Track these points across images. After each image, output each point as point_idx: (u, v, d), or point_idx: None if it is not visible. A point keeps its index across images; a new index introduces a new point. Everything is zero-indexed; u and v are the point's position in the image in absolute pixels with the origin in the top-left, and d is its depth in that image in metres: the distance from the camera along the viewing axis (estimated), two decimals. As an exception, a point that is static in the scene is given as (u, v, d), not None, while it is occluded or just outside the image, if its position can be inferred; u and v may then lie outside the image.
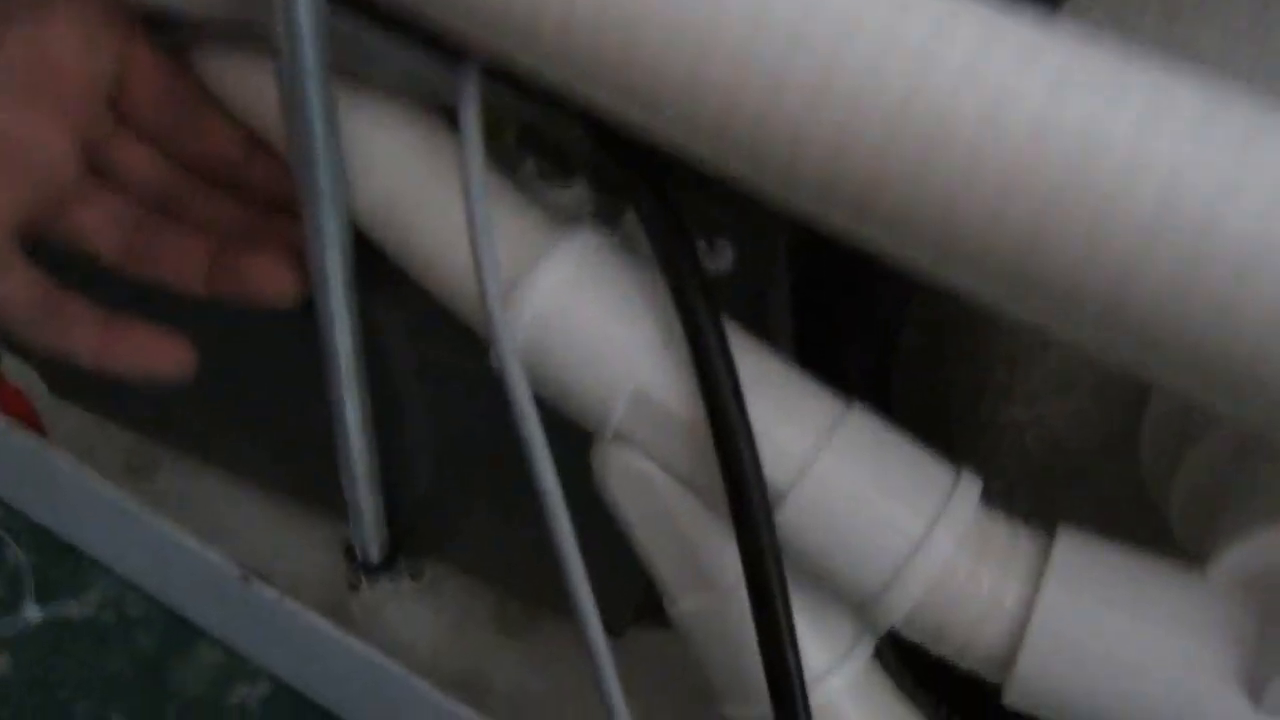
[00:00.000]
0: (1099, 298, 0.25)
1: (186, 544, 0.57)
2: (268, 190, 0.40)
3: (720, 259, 0.42)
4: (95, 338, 0.38)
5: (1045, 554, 0.32)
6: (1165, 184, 0.24)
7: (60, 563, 0.67)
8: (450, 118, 0.37)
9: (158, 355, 0.39)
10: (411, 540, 0.59)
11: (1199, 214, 0.23)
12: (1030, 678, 0.31)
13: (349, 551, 0.59)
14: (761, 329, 0.36)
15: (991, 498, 0.34)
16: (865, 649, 0.36)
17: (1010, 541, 0.33)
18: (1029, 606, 0.31)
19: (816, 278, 0.46)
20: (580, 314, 0.34)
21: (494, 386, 0.37)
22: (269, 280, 0.39)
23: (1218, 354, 0.24)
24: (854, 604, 0.33)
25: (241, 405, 0.58)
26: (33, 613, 0.65)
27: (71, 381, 0.64)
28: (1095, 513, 0.34)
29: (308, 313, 0.43)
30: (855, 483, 0.33)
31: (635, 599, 0.56)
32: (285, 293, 0.39)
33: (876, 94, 0.25)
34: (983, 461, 0.35)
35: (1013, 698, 0.32)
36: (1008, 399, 0.47)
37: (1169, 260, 0.24)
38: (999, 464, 0.48)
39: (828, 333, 0.46)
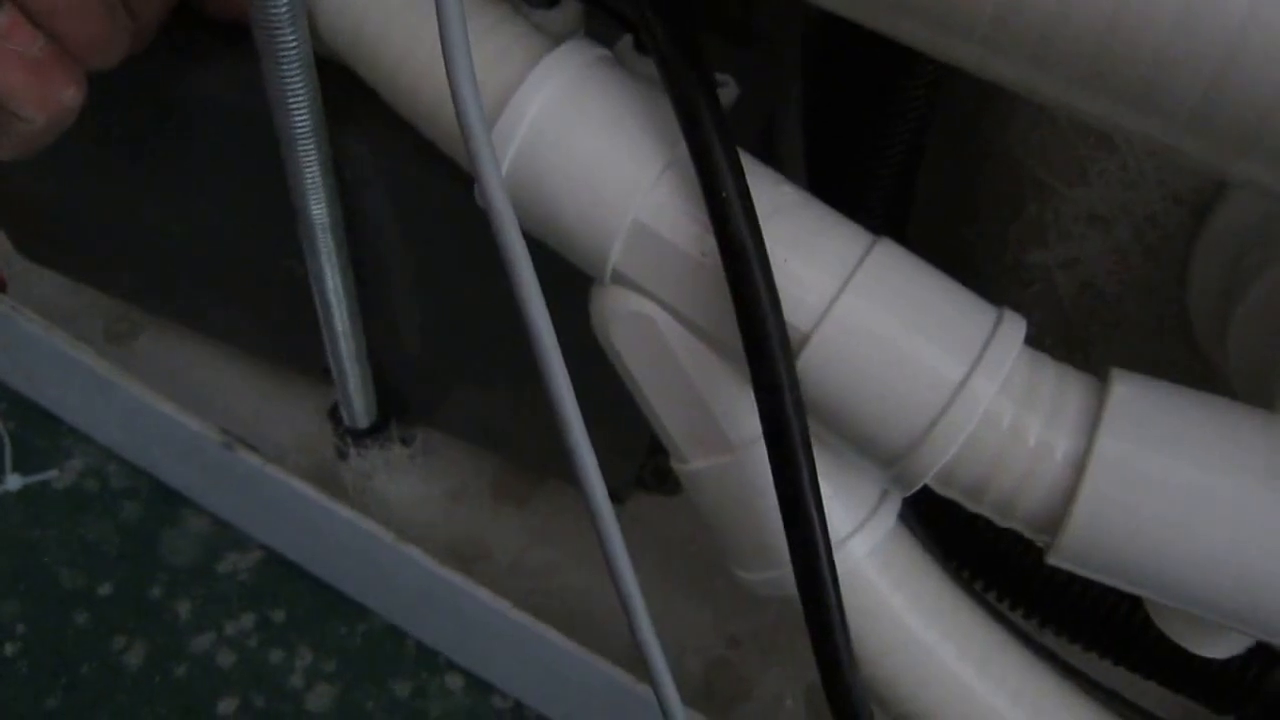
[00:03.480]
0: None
1: (165, 411, 0.55)
2: None
3: (722, 95, 0.38)
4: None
5: (1099, 401, 0.29)
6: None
7: (41, 431, 0.65)
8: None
9: None
10: (401, 406, 0.56)
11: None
12: (1082, 537, 0.28)
13: (335, 417, 0.56)
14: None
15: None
16: (890, 511, 0.33)
17: (1059, 388, 0.29)
18: (1081, 461, 0.28)
19: (828, 113, 0.42)
20: (572, 136, 0.31)
21: (483, 235, 0.33)
22: None
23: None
24: (883, 459, 0.30)
25: (219, 264, 0.55)
26: (13, 481, 0.63)
27: (42, 242, 0.61)
28: (1132, 366, 0.30)
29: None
30: (884, 324, 0.29)
31: (638, 463, 0.53)
32: None
33: None
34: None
35: (1060, 558, 0.29)
36: (1039, 236, 0.43)
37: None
38: (1025, 312, 0.44)
39: (839, 172, 0.42)
